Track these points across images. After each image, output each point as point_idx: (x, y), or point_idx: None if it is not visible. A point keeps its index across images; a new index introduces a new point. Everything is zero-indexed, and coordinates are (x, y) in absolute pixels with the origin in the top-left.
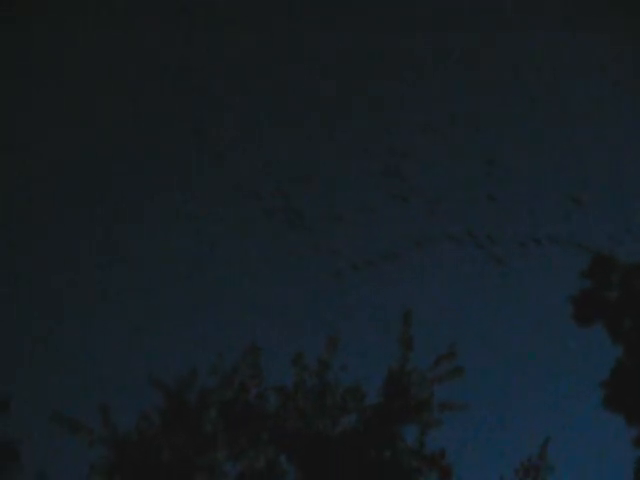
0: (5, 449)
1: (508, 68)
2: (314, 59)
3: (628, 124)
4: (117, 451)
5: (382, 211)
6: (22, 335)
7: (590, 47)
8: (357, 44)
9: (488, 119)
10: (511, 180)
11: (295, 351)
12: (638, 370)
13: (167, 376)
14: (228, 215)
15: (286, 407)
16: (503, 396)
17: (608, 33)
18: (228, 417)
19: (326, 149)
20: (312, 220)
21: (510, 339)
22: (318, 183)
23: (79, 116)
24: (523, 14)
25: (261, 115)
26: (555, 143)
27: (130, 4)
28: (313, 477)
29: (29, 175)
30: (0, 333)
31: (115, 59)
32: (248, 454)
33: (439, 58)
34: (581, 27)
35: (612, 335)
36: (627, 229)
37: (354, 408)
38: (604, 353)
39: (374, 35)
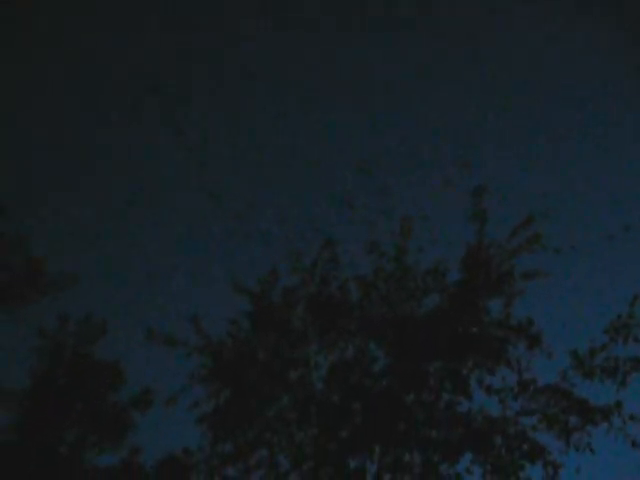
0: (111, 368)
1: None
2: None
3: None
4: (213, 358)
5: None
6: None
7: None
8: None
9: None
10: None
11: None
12: None
13: (250, 281)
14: None
15: (368, 295)
16: (585, 263)
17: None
18: (314, 311)
19: None
20: None
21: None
22: None
23: None
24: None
25: None
26: None
27: None
28: (402, 361)
29: None
30: (99, 263)
31: None
32: (338, 345)
33: None
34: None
35: None
36: None
37: (436, 288)
38: None
39: None
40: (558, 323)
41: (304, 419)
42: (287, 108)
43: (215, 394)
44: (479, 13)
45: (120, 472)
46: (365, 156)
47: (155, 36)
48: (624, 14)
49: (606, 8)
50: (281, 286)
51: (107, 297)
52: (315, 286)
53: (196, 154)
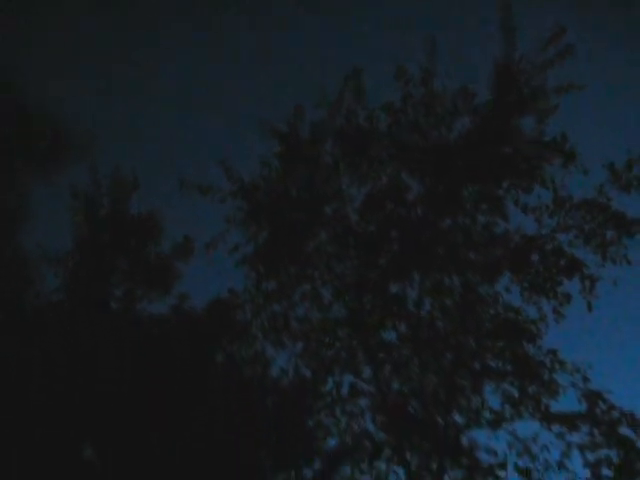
0: (148, 221)
1: None
2: None
3: None
4: (248, 200)
5: None
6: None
7: None
8: None
9: None
10: None
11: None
12: None
13: (277, 119)
14: None
15: (398, 123)
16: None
17: None
18: (343, 144)
19: None
20: None
21: None
22: None
23: None
24: None
25: None
26: None
27: None
28: (436, 187)
29: None
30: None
31: None
32: (370, 176)
33: None
34: None
35: None
36: None
37: (466, 109)
38: None
39: None
40: (594, 138)
41: (343, 251)
42: None
43: (253, 236)
44: None
45: (171, 318)
46: None
47: None
48: None
49: None
50: (308, 121)
51: (136, 153)
52: (342, 118)
53: None
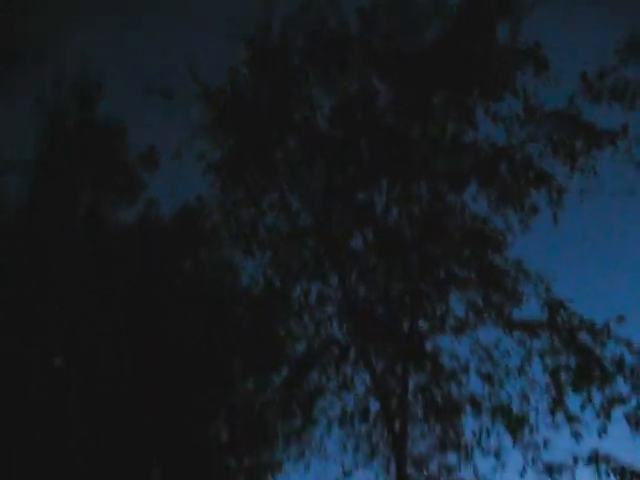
0: (114, 129)
1: None
2: None
3: None
4: (214, 106)
5: None
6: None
7: None
8: None
9: None
10: None
11: None
12: None
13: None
14: None
15: (370, 28)
16: None
17: None
18: (314, 48)
19: None
20: None
21: None
22: None
23: None
24: None
25: None
26: None
27: None
28: (407, 94)
29: None
30: None
31: None
32: (341, 83)
33: None
34: None
35: None
36: None
37: (438, 15)
38: None
39: None
40: (567, 47)
41: (311, 159)
42: None
43: (220, 143)
44: None
45: (139, 227)
46: None
47: None
48: None
49: None
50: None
51: (102, 61)
52: (314, 22)
53: None
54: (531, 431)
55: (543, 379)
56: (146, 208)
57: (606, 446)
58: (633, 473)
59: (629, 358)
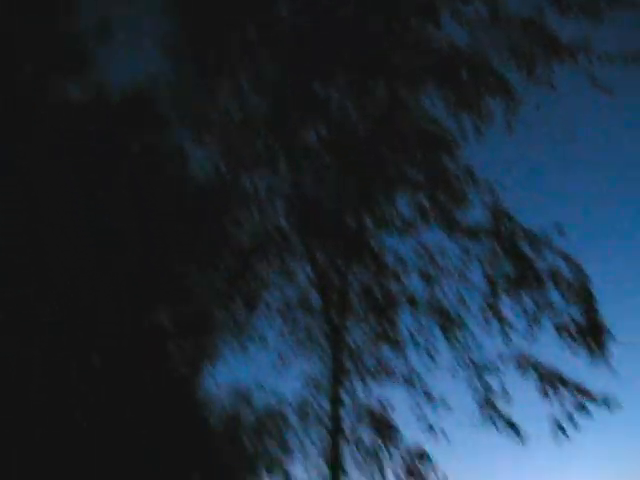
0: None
1: None
2: None
3: None
4: None
5: None
6: None
7: None
8: None
9: None
10: None
11: None
12: None
13: None
14: None
15: None
16: None
17: None
18: None
19: None
20: None
21: None
22: None
23: None
24: None
25: None
26: None
27: None
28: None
29: None
30: None
31: None
32: None
33: None
34: None
35: None
36: None
37: None
38: None
39: None
40: None
41: (268, 46)
42: None
43: (175, 24)
44: None
45: (87, 106)
46: None
47: None
48: None
49: None
50: None
51: None
52: None
53: None
54: (464, 332)
55: (482, 285)
56: (97, 86)
57: (537, 354)
58: (560, 379)
59: (566, 271)
